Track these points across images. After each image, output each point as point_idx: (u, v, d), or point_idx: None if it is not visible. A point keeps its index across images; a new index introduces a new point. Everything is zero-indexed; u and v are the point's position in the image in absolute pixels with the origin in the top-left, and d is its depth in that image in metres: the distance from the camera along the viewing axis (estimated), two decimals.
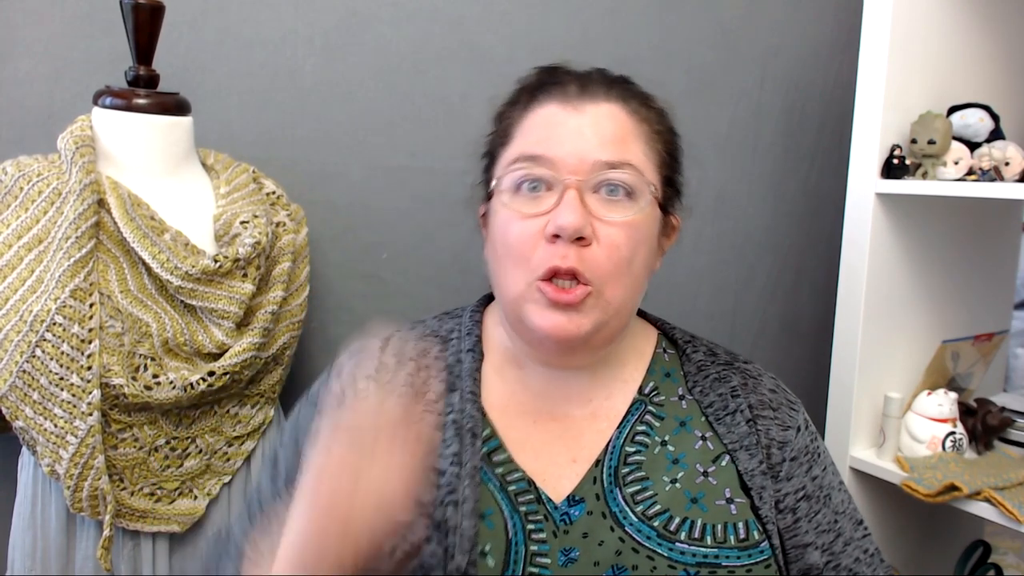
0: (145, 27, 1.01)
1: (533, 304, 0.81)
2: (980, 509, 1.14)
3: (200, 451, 1.02)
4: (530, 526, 0.80)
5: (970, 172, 1.25)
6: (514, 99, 0.90)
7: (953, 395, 1.27)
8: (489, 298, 0.98)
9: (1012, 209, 1.52)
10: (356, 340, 0.94)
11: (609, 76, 0.89)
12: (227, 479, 1.05)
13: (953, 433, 1.25)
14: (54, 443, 0.92)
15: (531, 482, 0.83)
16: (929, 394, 1.27)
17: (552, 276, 0.80)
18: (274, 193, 1.14)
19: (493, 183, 0.86)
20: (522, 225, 0.82)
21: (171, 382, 0.95)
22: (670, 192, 0.91)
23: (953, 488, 1.14)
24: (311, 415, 0.89)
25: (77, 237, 0.93)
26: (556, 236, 0.79)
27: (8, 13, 1.17)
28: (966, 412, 1.32)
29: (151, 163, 1.04)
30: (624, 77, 0.90)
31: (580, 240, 0.80)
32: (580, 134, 0.82)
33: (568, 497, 0.82)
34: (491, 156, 0.91)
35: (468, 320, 0.94)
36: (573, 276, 0.80)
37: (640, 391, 0.90)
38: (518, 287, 0.82)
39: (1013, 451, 1.31)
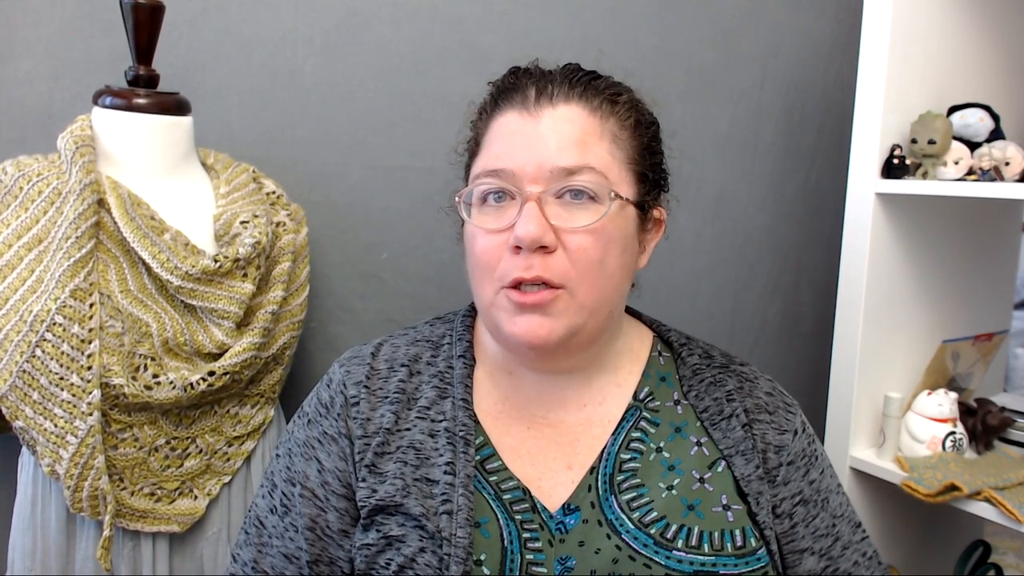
0: (145, 27, 1.01)
1: (503, 312, 0.81)
2: (980, 509, 1.14)
3: (200, 451, 1.02)
4: (526, 535, 0.79)
5: (970, 172, 1.25)
6: (482, 107, 0.90)
7: (953, 395, 1.27)
8: None
9: (1012, 209, 1.52)
10: (351, 347, 0.94)
11: (572, 74, 0.86)
12: (227, 479, 1.05)
13: (953, 433, 1.25)
14: (54, 443, 0.92)
15: (526, 491, 0.82)
16: (929, 394, 1.27)
17: (518, 285, 0.79)
18: (274, 193, 1.14)
19: (460, 199, 0.86)
20: (487, 239, 0.81)
21: (171, 382, 0.95)
22: (646, 187, 0.87)
23: (953, 488, 1.14)
24: (303, 429, 0.89)
25: (77, 237, 0.93)
26: (519, 248, 0.78)
27: (8, 13, 1.16)
28: (966, 412, 1.32)
29: (151, 163, 1.04)
30: (591, 73, 0.87)
31: (543, 249, 0.78)
32: (538, 141, 0.81)
33: (563, 506, 0.82)
34: (466, 167, 0.91)
35: (459, 325, 0.93)
36: (541, 283, 0.79)
37: (635, 396, 0.89)
38: (488, 296, 0.82)
39: (1013, 451, 1.31)
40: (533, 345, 0.80)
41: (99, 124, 1.02)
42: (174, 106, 1.05)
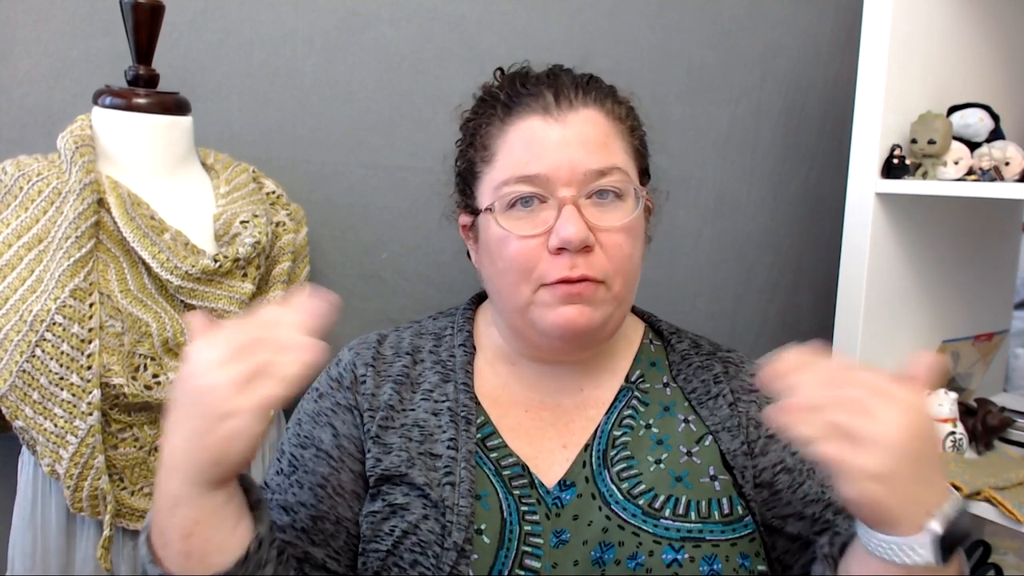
0: (145, 27, 1.01)
1: (543, 307, 0.84)
2: (980, 509, 1.14)
3: None
4: (524, 508, 0.83)
5: (970, 172, 1.25)
6: (486, 111, 0.91)
7: (953, 395, 1.27)
8: (479, 298, 1.01)
9: (1012, 209, 1.52)
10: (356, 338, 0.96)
11: (578, 77, 0.90)
12: None
13: (953, 433, 1.25)
14: (54, 443, 0.92)
15: (525, 467, 0.85)
16: (929, 394, 1.27)
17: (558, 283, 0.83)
18: (274, 193, 1.14)
19: (486, 206, 0.87)
20: (522, 243, 0.84)
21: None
22: (644, 180, 0.94)
23: (953, 488, 1.14)
24: (314, 403, 0.92)
25: (77, 237, 0.93)
26: (561, 249, 0.82)
27: (8, 13, 1.16)
28: (966, 412, 1.32)
29: (151, 163, 1.04)
30: (590, 76, 0.92)
31: (584, 249, 0.82)
32: (567, 145, 0.84)
33: (560, 482, 0.85)
34: (471, 171, 0.92)
35: (460, 318, 0.97)
36: (583, 280, 0.82)
37: (627, 379, 0.93)
38: (523, 296, 0.84)
39: (1013, 451, 1.31)
40: (575, 332, 0.84)
41: (99, 124, 1.02)
42: (174, 106, 1.05)
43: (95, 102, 1.03)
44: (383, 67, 1.32)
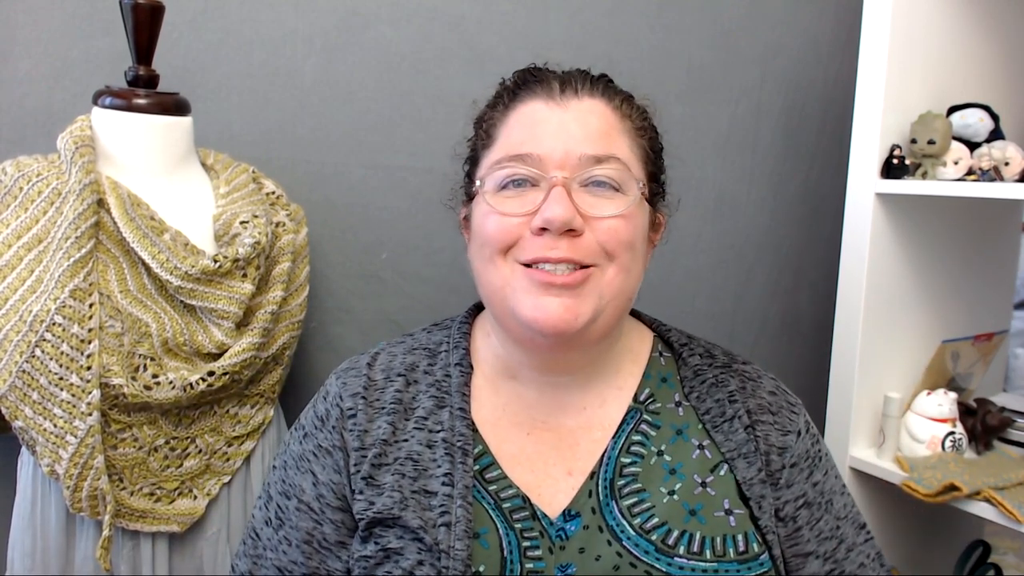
0: (145, 27, 1.01)
1: (521, 293, 0.79)
2: (980, 509, 1.14)
3: (200, 451, 1.02)
4: (525, 543, 0.79)
5: (970, 172, 1.25)
6: (495, 101, 0.89)
7: (953, 395, 1.27)
8: (477, 308, 0.96)
9: (1012, 209, 1.52)
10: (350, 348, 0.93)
11: (591, 74, 0.88)
12: (227, 479, 1.05)
13: (953, 433, 1.25)
14: (54, 443, 0.92)
15: (526, 498, 0.81)
16: (929, 394, 1.27)
17: (536, 263, 0.78)
18: (274, 193, 1.14)
19: (477, 184, 0.85)
20: (504, 220, 0.80)
21: (171, 382, 0.95)
22: (655, 188, 0.89)
23: (953, 488, 1.14)
24: (299, 443, 0.88)
25: (77, 237, 0.93)
26: (543, 229, 0.78)
27: (8, 13, 1.17)
28: (966, 412, 1.32)
29: (151, 163, 1.04)
30: (605, 75, 0.89)
31: (570, 232, 0.78)
32: (565, 129, 0.81)
33: (564, 512, 0.81)
34: (474, 159, 0.90)
35: (456, 332, 0.92)
36: (569, 263, 0.78)
37: (635, 398, 0.88)
38: (502, 275, 0.80)
39: (1013, 451, 1.31)
40: (559, 330, 0.77)
41: (99, 124, 1.02)
42: (174, 106, 1.05)
43: (95, 102, 1.03)
44: (383, 67, 1.32)
